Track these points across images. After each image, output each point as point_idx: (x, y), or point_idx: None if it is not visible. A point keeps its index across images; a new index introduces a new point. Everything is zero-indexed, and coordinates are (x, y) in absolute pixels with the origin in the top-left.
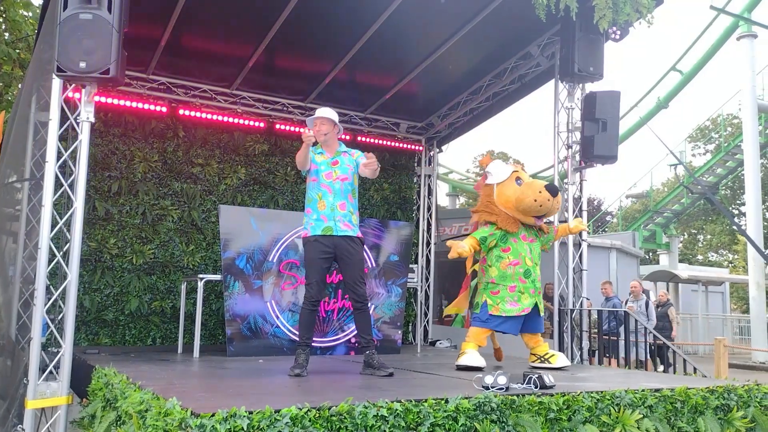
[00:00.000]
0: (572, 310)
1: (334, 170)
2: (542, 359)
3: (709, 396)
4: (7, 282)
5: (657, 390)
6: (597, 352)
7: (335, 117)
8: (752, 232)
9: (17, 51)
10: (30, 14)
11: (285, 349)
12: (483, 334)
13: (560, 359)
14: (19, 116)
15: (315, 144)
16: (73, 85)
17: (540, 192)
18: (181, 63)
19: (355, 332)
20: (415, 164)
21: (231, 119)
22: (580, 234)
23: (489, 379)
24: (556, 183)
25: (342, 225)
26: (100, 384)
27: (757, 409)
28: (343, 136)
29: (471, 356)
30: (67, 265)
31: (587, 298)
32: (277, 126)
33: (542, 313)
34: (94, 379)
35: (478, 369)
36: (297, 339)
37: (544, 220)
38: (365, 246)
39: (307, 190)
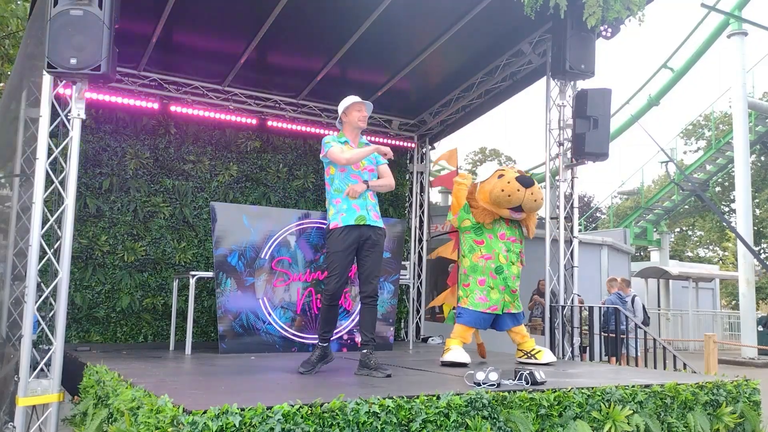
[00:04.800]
0: (563, 307)
1: (362, 160)
2: (529, 355)
3: (699, 392)
4: None
5: (647, 386)
6: (588, 348)
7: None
8: (742, 229)
9: (4, 47)
10: (15, 7)
11: (277, 346)
12: (466, 330)
13: (546, 355)
14: (6, 112)
15: (338, 132)
16: (64, 81)
17: (509, 182)
18: (173, 59)
19: (348, 329)
20: (408, 161)
21: (223, 116)
22: (572, 230)
23: (480, 376)
24: (548, 180)
25: (373, 215)
26: (91, 381)
27: (745, 404)
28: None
29: (455, 352)
30: (58, 262)
31: (578, 295)
32: (269, 123)
33: (516, 310)
34: (85, 376)
35: (463, 365)
36: (293, 336)
37: (536, 217)
38: None
39: (335, 181)
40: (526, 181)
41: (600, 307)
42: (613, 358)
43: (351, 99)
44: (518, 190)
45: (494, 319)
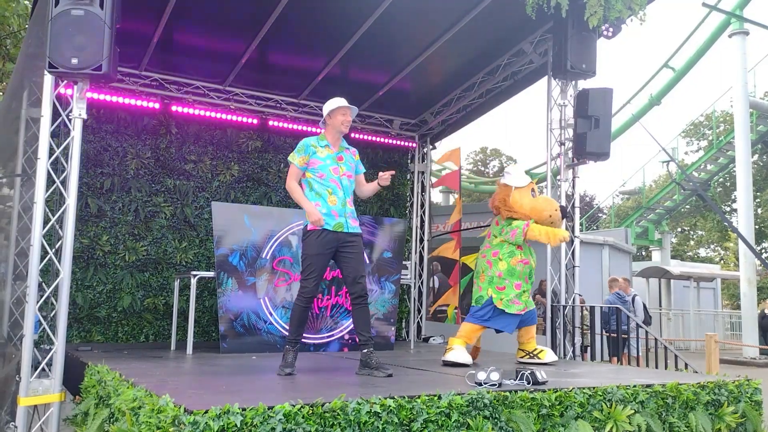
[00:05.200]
0: (565, 306)
1: (340, 166)
2: (531, 355)
3: (700, 391)
4: None
5: (648, 386)
6: (589, 348)
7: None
8: (743, 229)
9: (5, 47)
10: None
11: (278, 346)
12: (476, 332)
13: (548, 355)
14: (8, 112)
15: (318, 135)
16: (65, 81)
17: (556, 210)
18: (174, 59)
19: (349, 329)
20: (409, 161)
21: (224, 116)
22: (573, 230)
23: (482, 376)
24: (549, 180)
25: (351, 221)
26: (92, 381)
27: (747, 404)
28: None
29: (458, 353)
30: (59, 262)
31: (579, 294)
32: (271, 122)
33: (532, 307)
34: (86, 376)
35: (465, 366)
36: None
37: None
38: None
39: (312, 185)
40: (565, 213)
41: (601, 307)
42: (614, 358)
43: (337, 102)
44: (559, 219)
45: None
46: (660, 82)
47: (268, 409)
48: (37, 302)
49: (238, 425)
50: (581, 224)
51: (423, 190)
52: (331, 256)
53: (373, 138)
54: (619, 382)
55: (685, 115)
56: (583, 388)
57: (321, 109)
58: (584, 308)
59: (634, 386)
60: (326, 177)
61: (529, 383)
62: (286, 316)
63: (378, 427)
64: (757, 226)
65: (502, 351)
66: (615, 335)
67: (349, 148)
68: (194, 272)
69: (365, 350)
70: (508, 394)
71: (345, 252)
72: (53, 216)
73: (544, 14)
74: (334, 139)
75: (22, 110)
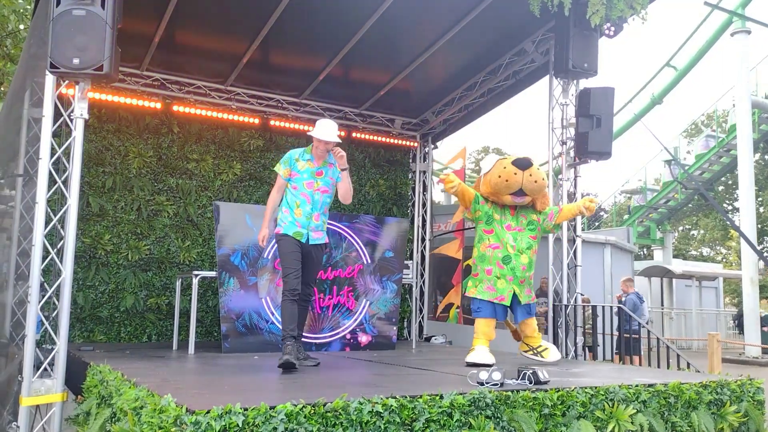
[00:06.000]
0: (566, 306)
1: (317, 180)
2: (535, 351)
3: (703, 391)
4: (0, 279)
5: (650, 385)
6: (591, 347)
7: (336, 136)
8: (746, 228)
9: (6, 47)
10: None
11: (280, 346)
12: (485, 326)
13: (552, 354)
14: (10, 112)
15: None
16: (67, 81)
17: (505, 168)
18: (175, 59)
19: (351, 328)
20: (410, 160)
21: (225, 115)
22: (575, 229)
23: (483, 375)
24: (551, 179)
25: (314, 234)
26: (95, 381)
27: (749, 403)
28: (339, 133)
29: (478, 353)
30: (61, 261)
31: (582, 294)
32: (272, 122)
33: (525, 301)
34: (88, 376)
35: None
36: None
37: (552, 204)
38: (360, 242)
39: (286, 193)
40: (522, 163)
41: (603, 307)
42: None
43: (317, 132)
44: (515, 174)
45: (510, 311)
46: (662, 81)
47: (270, 408)
48: (39, 302)
49: (240, 425)
50: (583, 223)
51: (424, 189)
52: (301, 256)
53: (375, 137)
54: (621, 382)
55: (687, 114)
56: (585, 388)
57: (322, 109)
58: (586, 308)
59: (637, 386)
60: (298, 190)
61: (531, 383)
62: None
63: (380, 426)
64: (759, 225)
65: (502, 351)
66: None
67: (334, 162)
68: (196, 272)
69: (289, 343)
70: (510, 393)
71: (304, 259)
72: (55, 216)
73: (546, 13)
74: (317, 154)
75: (23, 110)
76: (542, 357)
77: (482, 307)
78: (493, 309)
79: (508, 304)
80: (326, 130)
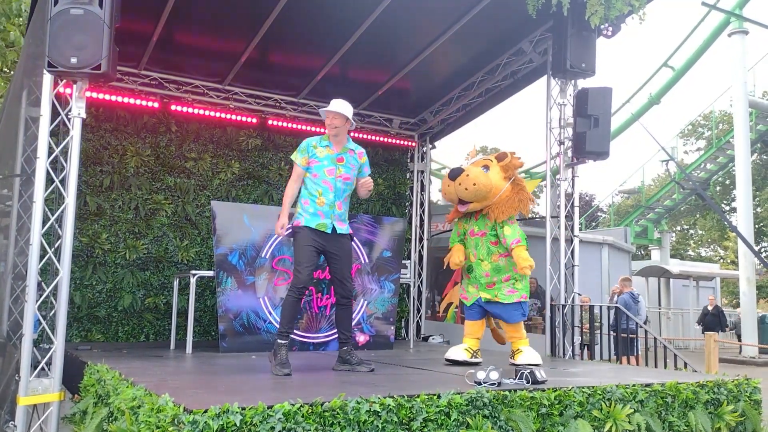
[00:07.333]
0: (564, 306)
1: (339, 167)
2: (512, 354)
3: (700, 390)
4: None
5: (648, 385)
6: (588, 346)
7: (349, 112)
8: (743, 228)
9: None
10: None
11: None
12: (470, 326)
13: (524, 356)
14: (8, 111)
15: (322, 135)
16: (65, 80)
17: (442, 180)
18: (173, 58)
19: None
20: (408, 160)
21: (223, 115)
22: (572, 229)
23: (481, 375)
24: (548, 179)
25: (338, 224)
26: (92, 380)
27: (746, 403)
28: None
29: (452, 349)
30: (58, 261)
31: (579, 294)
32: (270, 122)
33: (505, 300)
34: (86, 375)
35: (467, 363)
36: (294, 335)
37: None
38: (357, 242)
39: (307, 184)
40: (452, 173)
41: (601, 306)
42: (619, 357)
43: (326, 108)
44: (448, 186)
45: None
46: (659, 81)
47: (268, 408)
48: (37, 301)
49: (238, 424)
50: (580, 223)
51: (422, 189)
52: (320, 252)
53: (373, 137)
54: (619, 382)
55: (684, 114)
56: (583, 388)
57: (320, 108)
58: (583, 308)
59: (634, 385)
60: (319, 177)
61: (528, 382)
62: None
63: (377, 426)
64: (756, 225)
65: (502, 350)
66: (624, 336)
67: (356, 149)
68: (194, 271)
69: (345, 347)
70: (507, 393)
71: (331, 252)
72: (52, 215)
73: (544, 13)
74: (335, 140)
75: (21, 109)
76: (512, 360)
77: (464, 310)
78: (471, 311)
79: (470, 304)
80: (333, 104)
